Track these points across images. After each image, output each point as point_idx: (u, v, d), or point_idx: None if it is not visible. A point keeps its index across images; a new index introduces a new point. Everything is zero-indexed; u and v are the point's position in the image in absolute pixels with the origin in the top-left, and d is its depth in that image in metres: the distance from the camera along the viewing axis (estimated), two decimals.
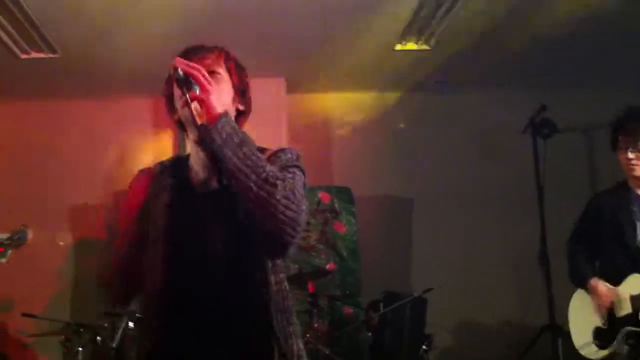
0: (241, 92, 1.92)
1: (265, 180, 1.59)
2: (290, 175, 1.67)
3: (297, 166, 1.77)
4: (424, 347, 4.54)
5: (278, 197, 1.58)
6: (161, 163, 1.96)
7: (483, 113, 6.19)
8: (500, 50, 5.35)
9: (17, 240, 3.11)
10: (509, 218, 6.02)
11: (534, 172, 5.30)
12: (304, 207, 1.64)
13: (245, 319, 1.70)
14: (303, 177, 1.75)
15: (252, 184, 1.58)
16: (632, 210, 3.24)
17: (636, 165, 3.21)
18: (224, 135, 1.62)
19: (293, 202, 1.60)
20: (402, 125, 6.30)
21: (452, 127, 6.22)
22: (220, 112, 1.65)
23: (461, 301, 5.80)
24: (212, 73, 1.80)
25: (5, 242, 3.12)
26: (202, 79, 1.66)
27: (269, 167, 1.63)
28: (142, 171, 1.94)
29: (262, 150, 1.85)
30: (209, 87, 1.66)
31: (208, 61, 1.83)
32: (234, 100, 1.89)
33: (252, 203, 1.59)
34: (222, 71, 1.87)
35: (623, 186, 3.35)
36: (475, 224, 6.04)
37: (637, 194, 3.28)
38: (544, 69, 5.77)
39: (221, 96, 1.76)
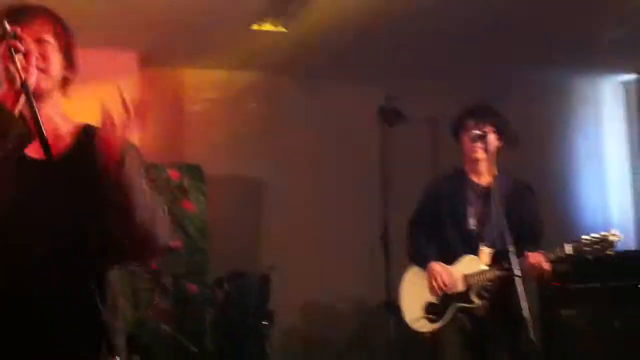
0: (68, 57, 1.79)
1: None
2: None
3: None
4: (265, 323, 4.59)
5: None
6: None
7: (336, 99, 6.34)
8: (354, 39, 5.48)
9: None
10: (355, 201, 6.23)
11: (380, 158, 5.52)
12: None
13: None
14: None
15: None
16: (466, 196, 3.44)
17: (479, 148, 3.39)
18: None
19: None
20: (255, 106, 6.31)
21: (305, 111, 6.32)
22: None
23: (306, 280, 5.93)
24: (41, 42, 1.69)
25: None
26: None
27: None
28: None
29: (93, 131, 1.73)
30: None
31: (36, 27, 1.70)
32: (61, 67, 1.77)
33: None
34: (50, 38, 1.73)
35: (459, 172, 3.54)
36: (323, 205, 6.20)
37: (472, 180, 3.48)
38: (393, 59, 5.99)
39: (51, 68, 1.70)
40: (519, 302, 2.99)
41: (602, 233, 3.11)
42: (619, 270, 4.85)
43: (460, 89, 6.20)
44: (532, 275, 3.22)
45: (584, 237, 3.14)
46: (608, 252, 3.11)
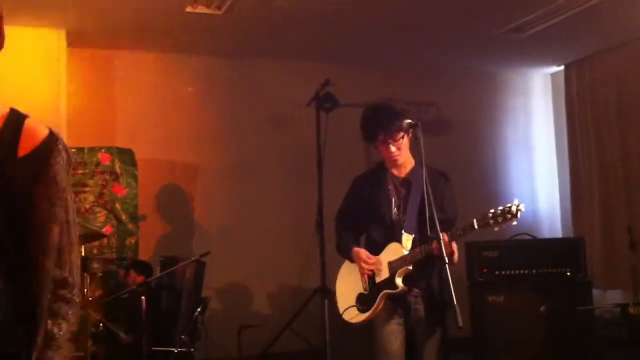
0: None
1: None
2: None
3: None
4: (199, 309, 4.56)
5: None
6: None
7: (272, 83, 6.31)
8: (289, 23, 5.46)
9: None
10: (290, 186, 6.24)
11: (315, 144, 5.54)
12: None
13: None
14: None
15: None
16: (389, 189, 3.54)
17: (398, 155, 3.48)
18: None
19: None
20: (190, 90, 6.23)
21: (240, 94, 6.28)
22: None
23: (240, 265, 5.93)
24: None
25: None
26: None
27: None
28: None
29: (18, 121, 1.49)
30: None
31: None
32: None
33: None
34: None
35: (381, 167, 3.65)
36: (257, 191, 6.19)
37: (392, 174, 3.58)
38: (330, 44, 6.00)
39: None
40: (445, 287, 3.08)
41: (507, 205, 3.22)
42: (546, 257, 5.01)
43: (392, 76, 6.31)
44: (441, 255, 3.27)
45: (491, 210, 3.24)
46: (513, 223, 3.21)
